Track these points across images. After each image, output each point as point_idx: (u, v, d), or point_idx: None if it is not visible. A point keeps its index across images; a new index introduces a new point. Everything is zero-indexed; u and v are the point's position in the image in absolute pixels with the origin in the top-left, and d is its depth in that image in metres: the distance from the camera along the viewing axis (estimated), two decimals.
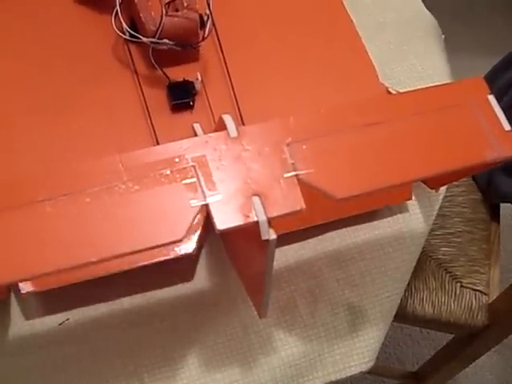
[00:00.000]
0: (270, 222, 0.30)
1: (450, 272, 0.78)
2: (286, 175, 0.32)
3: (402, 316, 0.75)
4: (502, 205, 0.86)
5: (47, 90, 0.45)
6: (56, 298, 0.40)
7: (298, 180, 0.32)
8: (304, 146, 0.32)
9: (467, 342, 0.82)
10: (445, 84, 0.40)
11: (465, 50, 1.31)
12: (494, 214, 0.85)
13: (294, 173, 0.32)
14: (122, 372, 0.41)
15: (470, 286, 0.77)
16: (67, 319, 0.41)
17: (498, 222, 0.86)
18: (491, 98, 0.37)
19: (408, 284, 0.74)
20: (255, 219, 0.30)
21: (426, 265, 0.78)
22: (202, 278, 0.43)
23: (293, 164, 0.32)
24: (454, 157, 0.35)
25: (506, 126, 0.36)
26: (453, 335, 0.86)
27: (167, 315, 0.42)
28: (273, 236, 0.30)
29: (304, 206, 0.31)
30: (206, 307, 0.43)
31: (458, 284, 0.77)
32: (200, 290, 0.43)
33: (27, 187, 0.30)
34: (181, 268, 0.42)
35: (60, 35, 0.47)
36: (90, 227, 0.30)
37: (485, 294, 0.76)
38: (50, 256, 0.29)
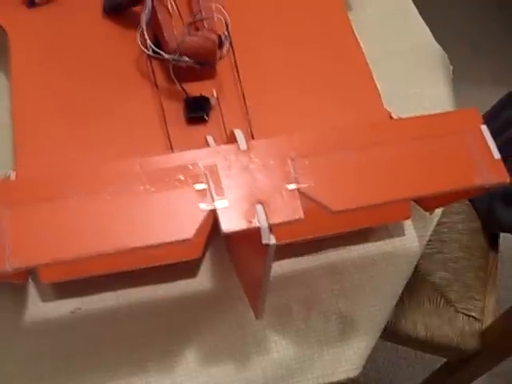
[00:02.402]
0: (271, 228, 0.34)
1: (445, 296, 0.80)
2: (288, 187, 0.35)
3: (395, 335, 0.78)
4: (501, 234, 0.88)
5: (73, 97, 0.48)
6: (69, 285, 0.44)
7: (299, 192, 0.35)
8: (307, 162, 0.36)
9: (458, 366, 0.83)
10: (443, 113, 0.43)
11: (473, 80, 1.33)
12: (493, 243, 0.87)
13: (295, 185, 0.35)
14: (126, 361, 0.44)
15: (463, 311, 0.79)
16: (79, 308, 0.44)
17: (497, 251, 0.87)
18: (484, 128, 0.40)
19: (403, 304, 0.78)
20: (257, 225, 0.33)
21: (422, 287, 0.80)
22: (204, 278, 0.46)
23: (295, 177, 0.35)
24: (445, 179, 0.38)
25: (496, 155, 0.39)
26: (445, 360, 0.88)
27: (170, 311, 0.45)
28: (273, 241, 0.33)
29: (302, 216, 0.34)
30: (207, 305, 0.45)
31: (452, 308, 0.79)
32: (202, 289, 0.46)
33: (55, 184, 0.34)
34: (186, 266, 0.45)
35: (88, 47, 0.51)
36: (108, 222, 0.33)
37: (478, 321, 0.78)
38: (71, 245, 0.33)
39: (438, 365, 0.91)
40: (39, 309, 0.44)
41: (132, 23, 0.51)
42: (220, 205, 0.34)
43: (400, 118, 0.46)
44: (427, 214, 0.50)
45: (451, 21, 1.51)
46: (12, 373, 0.43)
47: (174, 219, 0.34)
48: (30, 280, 0.45)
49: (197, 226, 0.33)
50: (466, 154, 0.39)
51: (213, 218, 0.35)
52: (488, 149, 0.39)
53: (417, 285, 0.80)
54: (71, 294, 0.45)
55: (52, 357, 0.43)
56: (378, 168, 0.37)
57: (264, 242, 0.33)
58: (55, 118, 0.47)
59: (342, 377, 0.45)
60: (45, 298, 0.45)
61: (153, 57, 0.48)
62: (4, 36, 0.51)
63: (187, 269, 0.46)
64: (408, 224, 0.51)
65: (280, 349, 0.45)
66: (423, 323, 0.78)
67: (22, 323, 0.44)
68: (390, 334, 0.77)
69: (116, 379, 0.43)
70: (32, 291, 0.45)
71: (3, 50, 0.51)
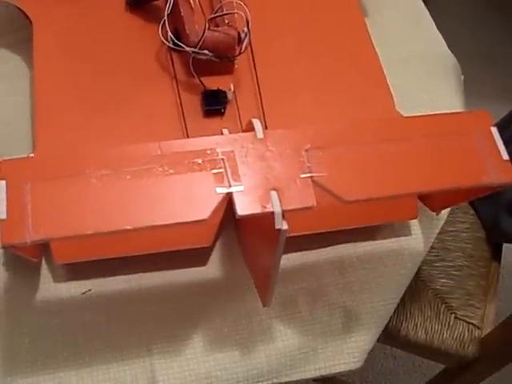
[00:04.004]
0: (284, 214, 0.35)
1: (446, 303, 0.81)
2: (302, 175, 0.36)
3: (395, 338, 0.78)
4: (504, 245, 0.89)
5: (93, 87, 0.50)
6: (82, 266, 0.45)
7: (312, 181, 0.36)
8: (320, 153, 0.37)
9: (456, 373, 0.84)
10: (454, 113, 0.44)
11: (484, 90, 1.33)
12: (496, 253, 0.88)
13: (309, 174, 0.36)
14: (133, 343, 0.44)
15: (464, 318, 0.79)
16: (89, 290, 0.45)
17: (499, 261, 0.88)
18: (494, 130, 0.41)
19: (404, 309, 0.78)
20: (271, 210, 0.35)
21: (424, 293, 0.81)
22: (214, 266, 0.47)
23: (309, 167, 0.36)
24: (453, 177, 0.39)
25: (505, 156, 0.40)
26: (443, 368, 0.88)
27: (180, 297, 0.46)
28: (285, 226, 0.34)
29: (315, 204, 0.35)
30: (215, 293, 0.46)
31: (453, 315, 0.80)
32: (212, 276, 0.47)
33: (78, 161, 0.35)
34: (197, 253, 0.46)
35: (110, 39, 0.53)
36: (127, 200, 0.34)
37: (478, 328, 0.79)
38: (90, 221, 0.34)
39: (436, 372, 0.91)
40: (51, 288, 0.45)
41: (154, 16, 0.52)
42: (236, 189, 0.35)
43: (411, 116, 0.47)
44: (434, 215, 0.51)
45: (463, 31, 1.52)
46: (22, 348, 0.44)
47: (190, 201, 0.35)
48: (43, 260, 0.46)
49: (212, 208, 0.34)
50: (474, 154, 0.40)
51: (227, 202, 0.36)
52: (497, 150, 0.40)
53: (419, 290, 0.81)
54: (83, 275, 0.46)
55: (62, 335, 0.44)
56: (389, 162, 0.38)
57: (277, 226, 0.34)
58: (75, 107, 0.48)
59: (344, 369, 0.46)
60: (57, 278, 0.46)
61: (173, 49, 0.49)
62: (24, 27, 0.52)
63: (197, 257, 0.47)
64: (414, 224, 0.52)
65: (285, 338, 0.46)
66: (423, 328, 0.79)
67: (33, 301, 0.45)
68: (390, 337, 0.78)
69: (123, 361, 0.44)
70: (44, 271, 0.46)
71: (20, 41, 0.53)
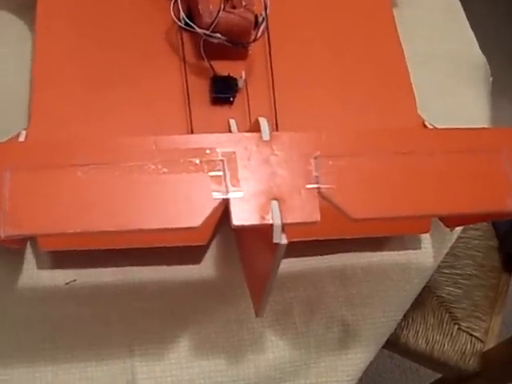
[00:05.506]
0: (284, 227, 0.32)
1: (451, 312, 0.78)
2: (307, 186, 0.33)
3: (394, 345, 0.76)
4: None
5: (96, 63, 0.47)
6: (68, 255, 0.42)
7: (319, 193, 0.33)
8: (330, 162, 0.34)
9: None
10: (480, 128, 0.40)
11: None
12: (507, 264, 0.85)
13: (316, 185, 0.33)
14: (115, 340, 0.42)
15: (467, 330, 0.77)
16: (74, 280, 0.43)
17: (510, 272, 0.85)
18: None
19: (406, 315, 0.75)
20: (270, 222, 0.31)
21: (428, 300, 0.78)
22: (208, 266, 0.44)
23: (316, 177, 0.33)
24: (475, 200, 0.35)
25: None
26: (440, 375, 0.86)
27: (169, 295, 0.44)
28: (284, 241, 0.31)
29: (319, 219, 0.32)
30: (207, 294, 0.44)
31: (456, 326, 0.77)
32: (205, 276, 0.44)
33: (65, 150, 0.32)
34: (191, 250, 0.43)
35: (118, 14, 0.49)
36: (114, 199, 0.31)
37: (481, 342, 0.76)
38: (72, 218, 0.31)
39: (432, 379, 0.89)
40: (34, 275, 0.43)
41: None
42: (234, 195, 0.32)
43: (434, 128, 0.43)
44: (447, 229, 0.47)
45: (493, 32, 1.46)
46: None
47: (183, 204, 0.32)
48: (28, 245, 0.43)
49: (206, 214, 0.31)
50: (500, 176, 0.36)
51: (223, 207, 0.33)
52: None
53: (423, 297, 0.78)
54: (69, 264, 0.43)
55: (41, 325, 0.42)
56: (405, 179, 0.35)
57: (275, 240, 0.31)
58: (75, 82, 0.45)
59: None
60: (41, 265, 0.43)
61: (184, 29, 0.46)
62: None
63: (191, 254, 0.44)
64: (425, 237, 0.48)
65: (276, 349, 0.43)
66: (424, 336, 0.76)
67: (14, 287, 0.43)
68: (389, 343, 0.75)
69: (101, 359, 0.42)
70: (29, 256, 0.43)
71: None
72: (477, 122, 0.54)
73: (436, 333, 0.76)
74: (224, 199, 0.32)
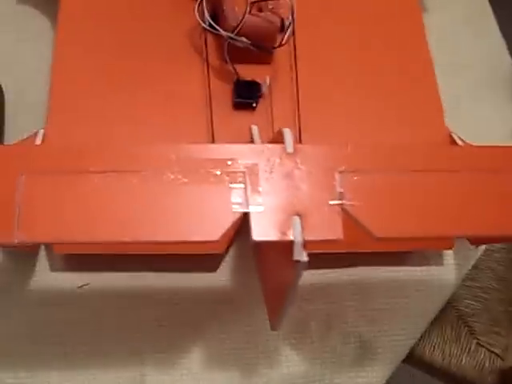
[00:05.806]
0: (305, 244, 0.30)
1: (470, 326, 0.76)
2: (331, 202, 0.31)
3: (409, 357, 0.74)
4: None
5: (118, 63, 0.46)
6: (82, 258, 0.42)
7: (342, 209, 0.31)
8: (355, 177, 0.32)
9: None
10: (509, 146, 0.39)
11: None
12: None
13: (339, 201, 0.31)
14: (125, 348, 0.41)
15: (486, 345, 0.75)
16: (87, 284, 0.42)
17: None
18: None
19: None
20: (291, 238, 0.30)
21: (446, 313, 0.76)
22: (224, 274, 0.43)
23: (340, 193, 0.32)
24: (501, 222, 0.34)
25: None
26: None
27: (182, 303, 0.43)
28: (305, 258, 0.30)
29: (342, 237, 0.31)
30: (222, 303, 0.43)
31: (475, 340, 0.75)
32: (220, 286, 0.43)
33: (82, 156, 0.31)
34: (207, 258, 0.42)
35: (142, 14, 0.48)
36: (131, 208, 0.30)
37: (500, 358, 0.74)
38: (86, 226, 0.30)
39: None
40: (46, 277, 0.42)
41: None
42: (255, 209, 0.31)
43: (463, 145, 0.42)
44: (471, 246, 0.46)
45: None
46: (10, 335, 0.41)
47: (201, 216, 0.31)
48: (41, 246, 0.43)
49: (225, 228, 0.30)
50: None
51: (242, 220, 0.31)
52: None
53: (441, 309, 0.76)
54: (82, 267, 0.42)
55: (50, 328, 0.41)
56: (431, 197, 0.34)
57: (295, 258, 0.30)
58: (95, 83, 0.44)
59: None
60: (54, 267, 0.42)
61: (208, 31, 0.45)
62: None
63: (207, 262, 0.43)
64: (448, 253, 0.47)
65: (290, 364, 0.42)
66: (441, 350, 0.74)
67: (27, 289, 0.42)
68: None
69: (110, 367, 0.41)
70: (42, 258, 0.43)
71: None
72: (502, 134, 0.52)
73: (454, 346, 0.74)
74: (244, 213, 0.31)
